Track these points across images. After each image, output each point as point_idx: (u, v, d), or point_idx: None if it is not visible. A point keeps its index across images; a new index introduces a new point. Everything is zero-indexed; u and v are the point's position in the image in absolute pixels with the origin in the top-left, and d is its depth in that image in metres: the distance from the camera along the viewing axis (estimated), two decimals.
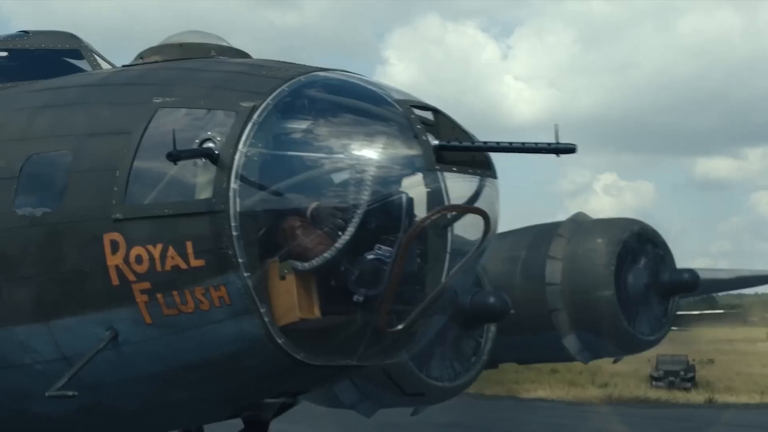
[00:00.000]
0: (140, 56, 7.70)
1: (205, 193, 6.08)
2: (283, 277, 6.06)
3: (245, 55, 7.72)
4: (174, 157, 5.97)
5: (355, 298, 6.13)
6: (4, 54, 9.16)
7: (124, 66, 7.89)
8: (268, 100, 6.16)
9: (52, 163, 6.90)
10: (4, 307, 6.82)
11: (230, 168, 5.99)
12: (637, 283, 12.26)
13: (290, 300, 6.04)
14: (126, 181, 6.34)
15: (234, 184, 5.99)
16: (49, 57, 9.30)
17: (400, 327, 6.30)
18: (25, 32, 9.45)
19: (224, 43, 7.74)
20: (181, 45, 7.54)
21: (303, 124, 6.29)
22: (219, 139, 6.11)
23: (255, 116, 6.08)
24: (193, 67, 6.98)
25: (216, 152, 6.02)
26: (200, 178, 6.15)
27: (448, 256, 6.55)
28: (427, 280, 6.49)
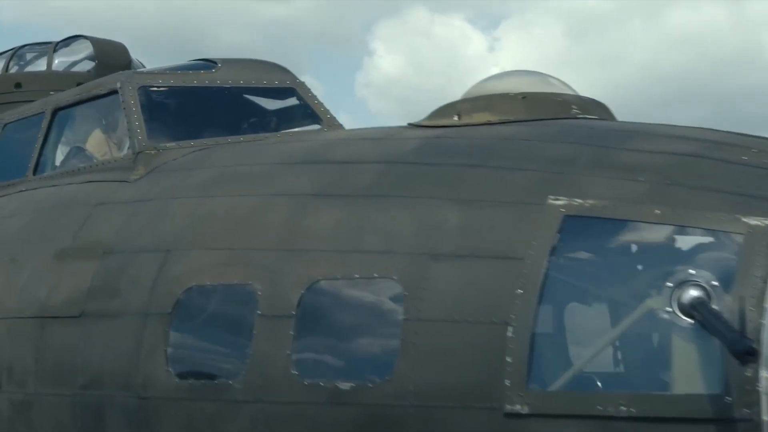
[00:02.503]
0: (455, 112, 5.31)
1: (702, 384, 3.75)
2: None
3: (608, 110, 5.38)
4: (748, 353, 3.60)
5: None
6: (205, 94, 6.75)
7: (415, 124, 5.50)
8: None
9: (362, 298, 4.60)
10: None
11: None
12: None
13: None
14: (527, 347, 4.02)
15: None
16: (264, 99, 6.97)
17: None
18: (209, 60, 7.01)
19: (571, 90, 5.40)
20: (524, 97, 5.16)
21: None
22: (711, 284, 3.82)
23: None
24: (594, 141, 4.64)
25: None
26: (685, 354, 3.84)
27: None
28: None
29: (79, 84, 8.23)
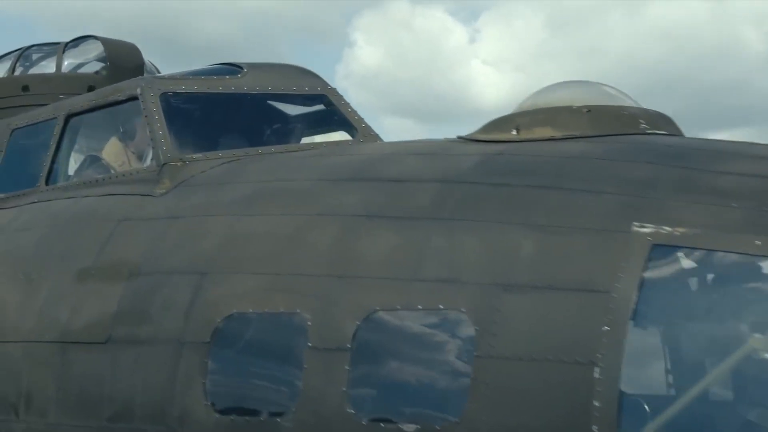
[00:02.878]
0: (513, 125, 4.95)
1: None
2: None
3: (675, 125, 5.05)
4: None
5: None
6: (231, 102, 6.38)
7: (467, 138, 5.15)
8: None
9: (426, 331, 4.25)
10: None
11: None
12: None
13: None
14: (617, 390, 3.68)
15: None
16: (296, 107, 6.63)
17: None
18: (233, 65, 6.64)
19: (633, 102, 5.07)
20: (588, 110, 4.81)
21: None
22: None
23: None
24: (675, 161, 4.30)
25: None
26: None
27: None
28: None
29: (90, 87, 7.85)
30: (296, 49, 46.07)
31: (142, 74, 8.14)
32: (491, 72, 42.56)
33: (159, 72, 8.46)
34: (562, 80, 5.40)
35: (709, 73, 38.93)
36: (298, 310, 4.53)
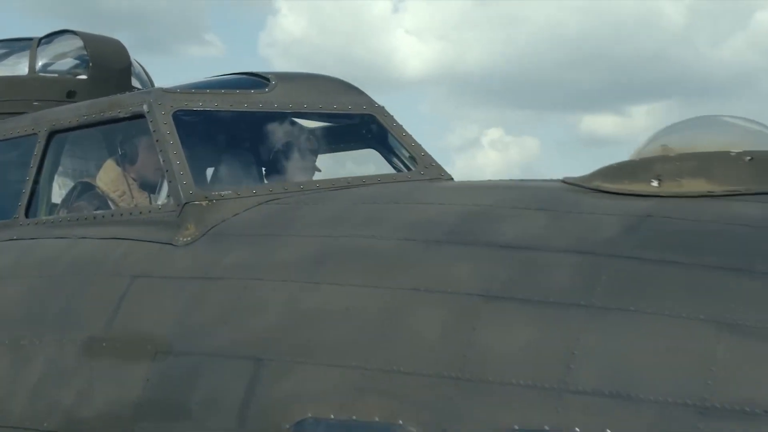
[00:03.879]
0: (653, 174, 3.95)
1: None
2: None
3: None
4: None
5: None
6: (260, 122, 5.31)
7: (589, 187, 4.14)
8: None
9: None
10: None
11: None
12: None
13: None
14: None
15: None
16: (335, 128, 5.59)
17: None
18: (256, 75, 5.55)
19: None
20: (751, 158, 3.84)
21: None
22: None
23: None
24: None
25: None
26: None
27: None
28: None
29: (70, 92, 6.65)
30: (218, 16, 45.35)
31: (129, 76, 6.94)
32: (414, 41, 42.16)
33: (148, 74, 7.26)
34: (673, 117, 4.44)
35: (628, 46, 39.45)
36: (400, 422, 3.49)
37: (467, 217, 4.06)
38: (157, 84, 7.07)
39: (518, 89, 43.30)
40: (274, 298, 4.07)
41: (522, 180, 4.49)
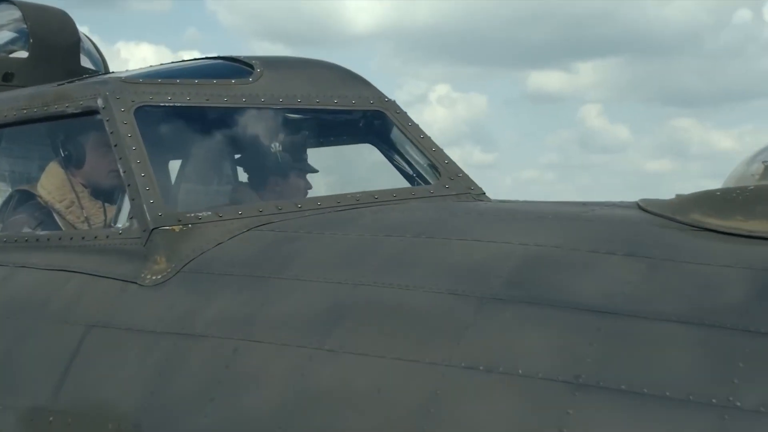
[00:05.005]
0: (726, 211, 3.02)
1: None
2: None
3: None
4: None
5: None
6: (243, 120, 4.27)
7: (665, 216, 3.18)
8: None
9: None
10: None
11: None
12: None
13: None
14: None
15: None
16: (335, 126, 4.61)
17: None
18: (236, 60, 4.51)
19: None
20: None
21: None
22: None
23: None
24: None
25: None
26: None
27: None
28: None
29: (6, 75, 5.55)
30: None
31: (78, 54, 5.84)
32: None
33: (100, 52, 6.16)
34: None
35: (576, 3, 39.80)
36: None
37: (530, 262, 3.07)
38: (112, 66, 6.00)
39: (467, 46, 43.03)
40: (275, 370, 3.08)
41: (584, 203, 3.51)
